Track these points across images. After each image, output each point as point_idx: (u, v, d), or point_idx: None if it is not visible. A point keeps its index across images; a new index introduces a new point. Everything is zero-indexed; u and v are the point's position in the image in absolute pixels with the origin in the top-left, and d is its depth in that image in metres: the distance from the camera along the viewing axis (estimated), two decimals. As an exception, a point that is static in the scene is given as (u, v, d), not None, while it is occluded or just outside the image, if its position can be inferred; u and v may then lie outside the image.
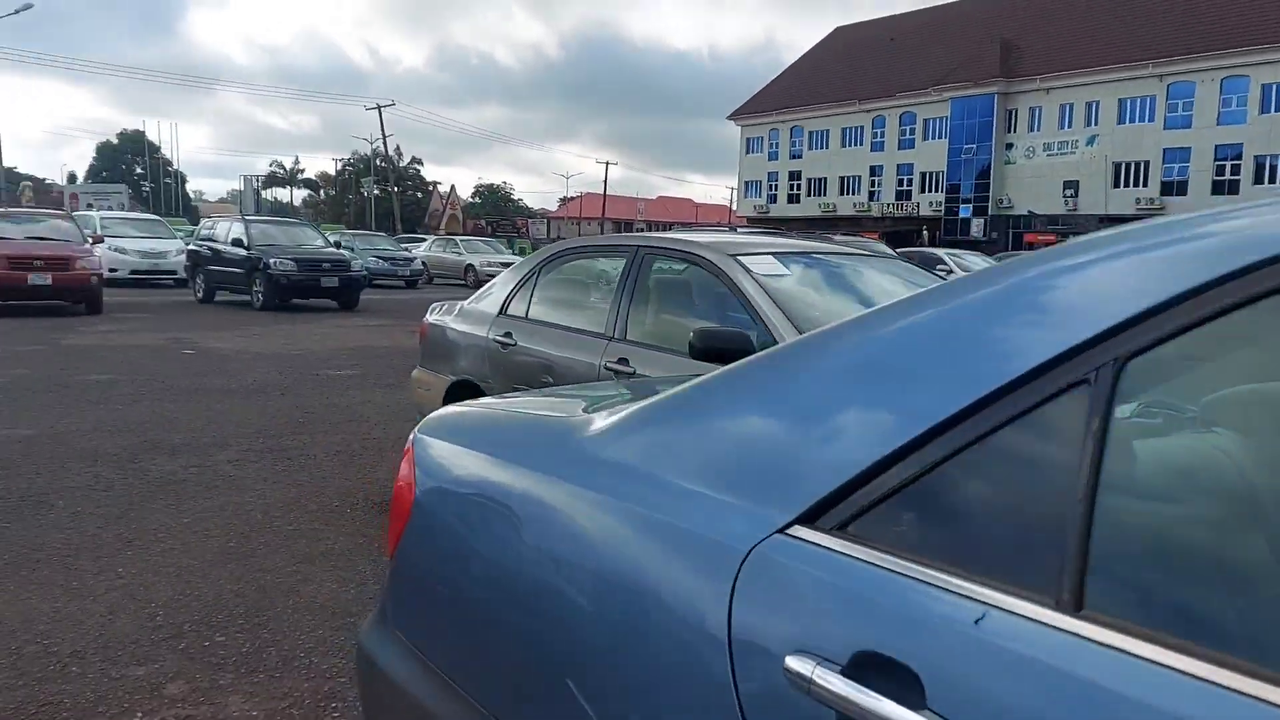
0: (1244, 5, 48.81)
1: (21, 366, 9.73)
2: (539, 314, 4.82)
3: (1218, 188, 49.17)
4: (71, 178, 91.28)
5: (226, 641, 3.44)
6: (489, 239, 37.98)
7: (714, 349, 3.40)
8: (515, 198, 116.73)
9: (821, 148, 69.77)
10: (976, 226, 57.75)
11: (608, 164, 75.80)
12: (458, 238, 34.34)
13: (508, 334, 4.85)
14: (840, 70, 69.93)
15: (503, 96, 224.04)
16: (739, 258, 4.02)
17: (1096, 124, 54.33)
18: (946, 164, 61.26)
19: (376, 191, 76.97)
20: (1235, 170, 48.64)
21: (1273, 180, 47.15)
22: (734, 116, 74.73)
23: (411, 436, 1.87)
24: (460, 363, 5.17)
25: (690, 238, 4.48)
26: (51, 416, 7.23)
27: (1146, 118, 52.21)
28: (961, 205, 60.11)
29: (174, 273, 22.22)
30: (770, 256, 4.13)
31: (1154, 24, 52.76)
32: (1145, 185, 52.23)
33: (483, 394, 4.95)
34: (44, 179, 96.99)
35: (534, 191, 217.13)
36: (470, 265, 29.19)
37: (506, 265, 29.68)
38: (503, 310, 5.02)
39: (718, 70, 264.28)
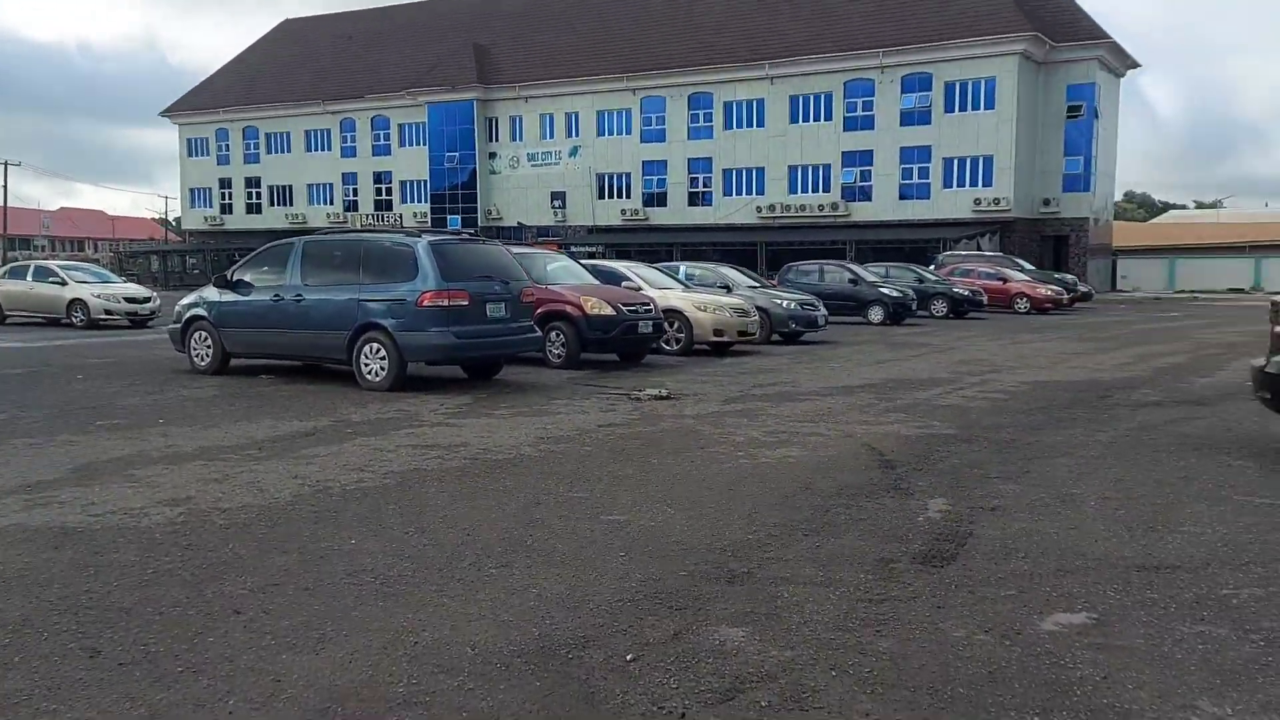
0: (708, 27, 51.58)
1: None
2: None
3: (693, 199, 51.39)
4: None
5: None
6: (93, 265, 25.71)
7: None
8: None
9: (283, 151, 61.61)
10: (466, 239, 54.09)
11: (5, 164, 58.67)
12: (53, 262, 22.35)
13: None
14: (297, 67, 62.47)
15: None
16: None
17: (578, 135, 54.16)
18: (429, 172, 57.30)
19: None
20: (707, 183, 51.10)
21: (742, 192, 50.26)
22: (170, 113, 63.11)
23: None
24: None
25: None
26: None
27: (624, 130, 53.08)
28: (449, 216, 56.54)
29: None
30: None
31: (626, 38, 53.90)
32: (629, 197, 53.11)
33: None
34: None
35: None
36: (79, 300, 19.68)
37: (136, 301, 19.33)
38: None
39: (96, 69, 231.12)
